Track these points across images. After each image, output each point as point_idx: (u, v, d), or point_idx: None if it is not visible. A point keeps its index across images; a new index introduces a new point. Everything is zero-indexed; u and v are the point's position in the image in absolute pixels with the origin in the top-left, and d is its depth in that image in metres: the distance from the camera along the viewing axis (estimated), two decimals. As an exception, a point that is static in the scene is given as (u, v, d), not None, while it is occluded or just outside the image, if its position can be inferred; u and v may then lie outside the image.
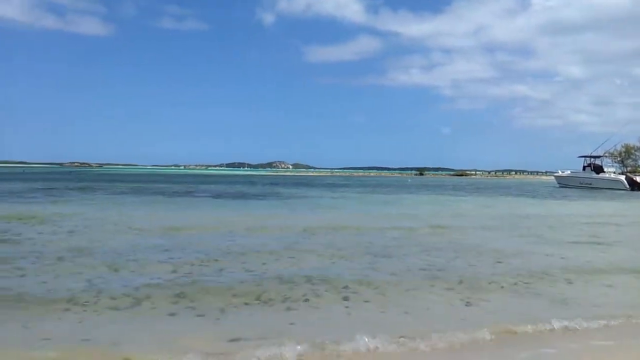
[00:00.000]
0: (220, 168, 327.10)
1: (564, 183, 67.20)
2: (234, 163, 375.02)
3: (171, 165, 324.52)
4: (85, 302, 7.65)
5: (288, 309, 7.57)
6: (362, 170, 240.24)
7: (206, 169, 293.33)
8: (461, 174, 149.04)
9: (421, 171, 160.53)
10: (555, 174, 72.61)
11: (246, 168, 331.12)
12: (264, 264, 10.76)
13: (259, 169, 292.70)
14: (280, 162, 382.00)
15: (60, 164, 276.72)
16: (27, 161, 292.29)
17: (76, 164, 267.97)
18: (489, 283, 9.43)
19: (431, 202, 33.94)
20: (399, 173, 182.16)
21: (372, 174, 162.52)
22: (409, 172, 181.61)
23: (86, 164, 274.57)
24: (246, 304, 7.81)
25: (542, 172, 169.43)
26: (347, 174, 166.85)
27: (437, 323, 6.86)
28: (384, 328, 6.49)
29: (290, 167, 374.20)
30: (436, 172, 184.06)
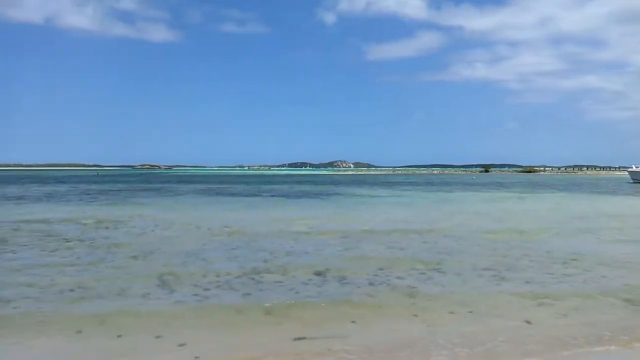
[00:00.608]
0: (283, 168, 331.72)
1: (638, 179, 63.34)
2: (296, 163, 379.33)
3: (235, 166, 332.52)
4: (158, 299, 8.02)
5: (352, 308, 7.62)
6: (424, 168, 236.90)
7: (269, 169, 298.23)
8: (529, 170, 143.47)
9: (486, 168, 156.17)
10: (629, 169, 68.51)
11: (308, 167, 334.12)
12: (325, 260, 10.86)
13: (321, 169, 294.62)
14: (341, 161, 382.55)
15: (132, 167, 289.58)
16: (100, 164, 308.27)
17: (146, 166, 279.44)
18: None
19: (500, 200, 32.96)
20: (463, 170, 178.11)
21: (435, 172, 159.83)
22: (474, 169, 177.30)
23: (156, 166, 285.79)
24: (310, 297, 7.95)
25: (614, 168, 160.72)
26: (410, 172, 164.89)
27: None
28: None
29: (352, 165, 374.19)
30: (502, 169, 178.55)
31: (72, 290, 8.52)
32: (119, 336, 6.31)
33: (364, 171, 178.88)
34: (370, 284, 9.02)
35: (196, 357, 5.60)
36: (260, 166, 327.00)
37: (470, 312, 7.36)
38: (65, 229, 16.33)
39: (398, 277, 9.48)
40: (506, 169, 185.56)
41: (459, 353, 5.72)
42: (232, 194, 38.14)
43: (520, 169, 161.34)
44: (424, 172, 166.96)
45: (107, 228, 16.53)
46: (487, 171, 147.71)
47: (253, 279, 9.36)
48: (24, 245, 12.99)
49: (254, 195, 37.44)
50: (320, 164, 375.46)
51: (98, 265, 10.60)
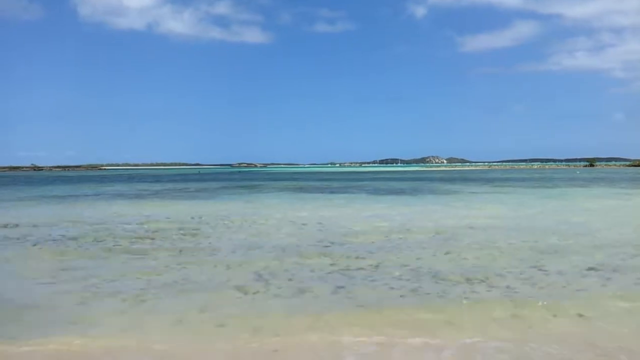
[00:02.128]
0: (374, 165, 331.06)
1: None
2: (387, 159, 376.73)
3: (327, 163, 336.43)
4: (256, 291, 8.35)
5: (445, 304, 7.48)
6: (523, 163, 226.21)
7: (360, 165, 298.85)
8: (638, 164, 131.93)
9: (591, 162, 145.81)
10: None
11: (399, 164, 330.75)
12: (418, 258, 10.73)
13: (412, 165, 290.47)
14: (433, 156, 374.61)
15: (230, 165, 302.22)
16: (201, 163, 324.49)
17: (243, 165, 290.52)
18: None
19: (609, 197, 30.74)
20: (566, 165, 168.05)
21: (535, 167, 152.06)
22: (577, 163, 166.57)
23: (252, 164, 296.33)
24: (402, 296, 7.91)
25: None
26: (507, 167, 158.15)
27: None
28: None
29: (445, 161, 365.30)
30: (608, 163, 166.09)
31: (175, 280, 9.09)
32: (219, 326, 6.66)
33: (457, 167, 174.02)
34: (467, 281, 8.80)
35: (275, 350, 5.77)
36: (351, 163, 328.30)
37: (579, 314, 6.97)
38: (173, 224, 17.38)
39: (497, 275, 9.16)
40: (613, 162, 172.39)
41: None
42: (324, 191, 38.65)
43: (628, 163, 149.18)
44: (522, 166, 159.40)
45: (208, 223, 17.40)
46: (592, 165, 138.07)
47: (345, 274, 9.46)
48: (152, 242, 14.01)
49: (345, 191, 37.68)
50: (412, 159, 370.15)
51: (199, 256, 11.20)
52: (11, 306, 7.62)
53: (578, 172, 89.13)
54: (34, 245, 13.28)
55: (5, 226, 17.09)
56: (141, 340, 6.15)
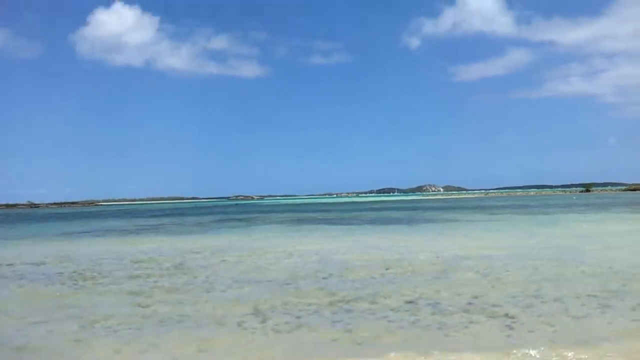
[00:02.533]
0: (371, 195, 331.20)
1: None
2: (384, 189, 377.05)
3: (324, 194, 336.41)
4: (253, 328, 8.27)
5: (446, 336, 7.43)
6: (520, 190, 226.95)
7: (357, 195, 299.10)
8: (635, 188, 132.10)
9: (587, 187, 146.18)
10: None
11: (396, 193, 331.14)
12: (416, 289, 10.67)
13: (409, 194, 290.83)
14: (430, 185, 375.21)
15: (227, 198, 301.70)
16: (198, 196, 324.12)
17: (240, 197, 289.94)
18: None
19: (605, 222, 30.77)
20: (562, 190, 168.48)
21: (531, 193, 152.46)
22: (574, 189, 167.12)
23: (249, 196, 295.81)
24: (401, 328, 7.85)
25: None
26: (504, 194, 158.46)
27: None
28: None
29: (441, 189, 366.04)
30: (604, 188, 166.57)
31: (171, 317, 9.01)
32: (217, 363, 6.58)
33: (454, 195, 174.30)
34: (466, 312, 8.75)
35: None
36: (348, 193, 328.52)
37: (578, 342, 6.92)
38: (168, 259, 17.27)
39: (494, 305, 9.11)
40: (609, 187, 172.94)
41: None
42: (321, 222, 38.57)
43: (624, 187, 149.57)
44: (519, 193, 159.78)
45: (204, 258, 17.30)
46: (588, 190, 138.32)
47: (343, 308, 9.39)
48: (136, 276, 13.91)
49: (342, 223, 37.62)
50: (408, 188, 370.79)
51: (195, 293, 11.12)
52: (6, 348, 7.52)
53: (575, 198, 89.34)
54: (29, 283, 13.16)
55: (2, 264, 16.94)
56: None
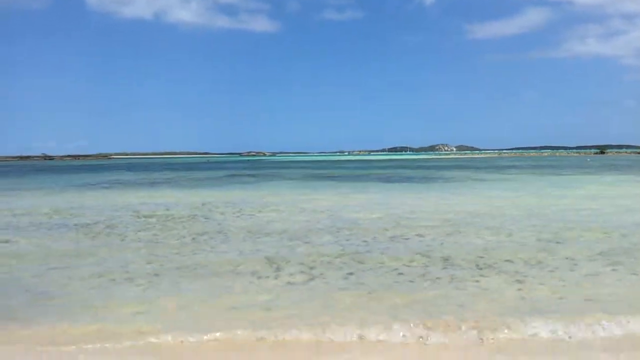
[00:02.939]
0: (382, 153, 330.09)
1: None
2: (396, 147, 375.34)
3: (336, 152, 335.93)
4: (266, 276, 8.46)
5: (456, 289, 7.55)
6: (533, 151, 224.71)
7: (369, 154, 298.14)
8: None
9: (602, 149, 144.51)
10: None
11: (408, 152, 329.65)
12: (428, 245, 10.79)
13: (421, 153, 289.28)
14: (443, 144, 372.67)
15: (239, 154, 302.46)
16: (210, 151, 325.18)
17: (252, 153, 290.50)
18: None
19: (618, 184, 30.53)
20: (576, 152, 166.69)
21: (545, 154, 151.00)
22: (588, 150, 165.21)
23: (261, 152, 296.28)
24: (411, 281, 7.99)
25: None
26: (518, 154, 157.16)
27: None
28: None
29: (454, 149, 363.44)
30: (619, 150, 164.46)
31: (188, 266, 9.23)
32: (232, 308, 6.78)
33: (467, 154, 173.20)
34: (476, 266, 8.85)
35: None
36: (360, 151, 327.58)
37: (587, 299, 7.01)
38: (183, 211, 17.54)
39: (505, 261, 9.21)
40: (624, 150, 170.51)
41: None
42: (333, 179, 38.71)
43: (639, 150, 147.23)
44: (533, 154, 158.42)
45: (218, 211, 17.53)
46: (603, 152, 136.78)
47: (355, 260, 9.54)
48: (147, 229, 14.18)
49: (355, 180, 37.72)
50: (420, 148, 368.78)
51: (210, 244, 11.34)
52: (28, 293, 7.77)
53: (589, 160, 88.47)
54: (48, 232, 13.47)
55: (18, 214, 17.31)
56: (155, 324, 6.27)
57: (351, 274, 8.56)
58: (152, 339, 5.74)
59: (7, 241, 12.25)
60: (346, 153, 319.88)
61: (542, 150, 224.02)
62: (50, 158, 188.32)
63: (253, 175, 46.25)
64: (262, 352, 5.48)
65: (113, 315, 6.61)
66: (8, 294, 7.73)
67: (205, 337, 5.77)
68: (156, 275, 8.66)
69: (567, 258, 9.43)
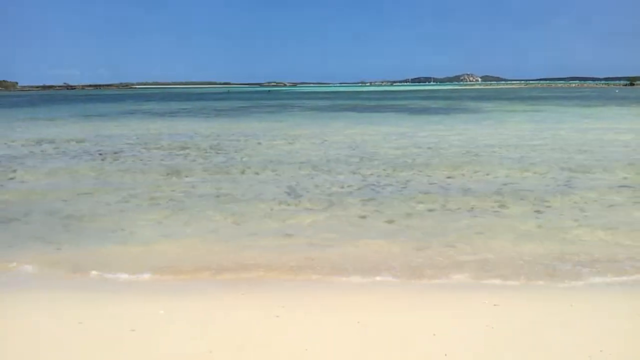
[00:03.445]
0: (405, 84, 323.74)
1: None
2: (419, 78, 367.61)
3: (358, 82, 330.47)
4: (287, 203, 8.58)
5: (474, 217, 7.60)
6: (561, 82, 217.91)
7: (391, 85, 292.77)
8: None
9: (632, 81, 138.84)
10: None
11: (432, 83, 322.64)
12: (448, 177, 10.76)
13: (446, 83, 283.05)
14: (468, 74, 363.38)
15: (259, 84, 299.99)
16: (231, 82, 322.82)
17: (272, 84, 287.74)
18: None
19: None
20: (605, 84, 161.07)
21: (573, 85, 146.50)
22: (617, 82, 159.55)
23: (281, 83, 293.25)
24: (430, 210, 8.05)
25: None
26: (545, 85, 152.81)
27: None
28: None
29: (479, 79, 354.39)
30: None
31: (210, 193, 9.40)
32: (252, 234, 6.95)
33: (492, 85, 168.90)
34: (497, 194, 8.84)
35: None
36: (382, 82, 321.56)
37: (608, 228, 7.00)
38: (204, 142, 17.66)
39: (526, 190, 9.16)
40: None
41: (588, 267, 5.54)
42: (354, 110, 38.30)
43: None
44: (560, 85, 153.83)
45: (239, 141, 17.62)
46: (632, 84, 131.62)
47: (374, 189, 9.59)
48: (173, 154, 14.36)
49: (377, 111, 37.28)
50: (445, 78, 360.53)
51: (232, 172, 11.48)
52: (56, 216, 8.03)
53: (617, 91, 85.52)
54: (72, 160, 13.75)
55: (42, 142, 17.62)
56: (179, 247, 6.49)
57: (370, 200, 8.63)
58: (175, 264, 5.95)
59: (34, 166, 12.56)
60: (368, 84, 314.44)
61: (570, 82, 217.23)
62: (72, 87, 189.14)
63: (274, 106, 45.99)
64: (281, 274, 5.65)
65: (140, 240, 6.84)
66: (40, 219, 8.01)
67: (225, 262, 5.96)
68: (179, 201, 8.85)
69: (589, 189, 9.34)
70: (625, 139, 16.85)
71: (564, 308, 4.49)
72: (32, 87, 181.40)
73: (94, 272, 5.65)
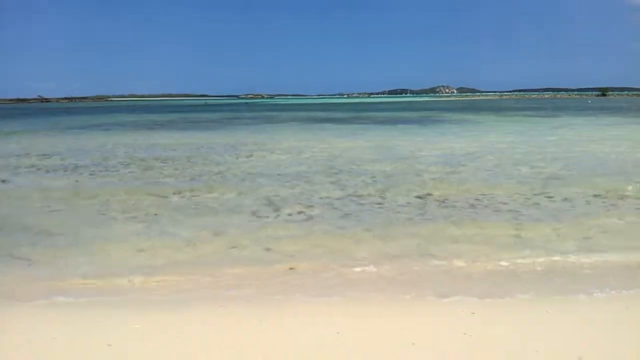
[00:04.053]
0: (382, 95, 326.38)
1: None
2: (396, 90, 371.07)
3: (336, 94, 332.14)
4: (266, 216, 8.56)
5: (453, 224, 7.68)
6: (535, 93, 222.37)
7: (368, 96, 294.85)
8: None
9: (604, 91, 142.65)
10: None
11: (408, 94, 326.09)
12: (424, 185, 10.87)
13: (422, 95, 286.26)
14: (443, 86, 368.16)
15: (236, 96, 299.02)
16: (208, 94, 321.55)
17: (250, 96, 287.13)
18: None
19: (621, 127, 30.36)
20: (578, 94, 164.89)
21: (546, 96, 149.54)
22: (590, 93, 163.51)
23: (259, 95, 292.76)
24: (409, 219, 8.11)
25: None
26: (519, 96, 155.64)
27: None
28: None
29: (455, 91, 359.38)
30: (621, 93, 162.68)
31: (187, 206, 9.33)
32: (232, 247, 6.91)
33: (468, 96, 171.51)
34: (472, 207, 8.95)
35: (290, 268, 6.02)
36: (359, 94, 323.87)
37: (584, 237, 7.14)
38: (182, 153, 17.54)
39: (501, 202, 9.30)
40: (625, 92, 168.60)
41: (563, 274, 5.63)
42: (332, 121, 38.47)
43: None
44: (534, 96, 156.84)
45: (217, 153, 17.53)
46: (604, 95, 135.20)
47: (353, 201, 9.63)
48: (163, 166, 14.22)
49: (354, 122, 37.50)
50: (421, 90, 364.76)
51: (209, 184, 11.40)
52: (29, 231, 7.87)
53: (590, 102, 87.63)
54: (47, 174, 13.52)
55: (18, 156, 17.30)
56: (154, 260, 6.41)
57: (349, 213, 8.66)
58: (152, 277, 5.88)
59: (4, 181, 12.31)
60: (345, 96, 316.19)
61: (544, 93, 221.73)
62: (47, 100, 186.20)
63: (252, 118, 45.91)
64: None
65: (115, 254, 6.74)
66: (12, 234, 7.84)
67: (203, 275, 5.91)
68: (154, 215, 8.75)
69: (564, 199, 9.52)
70: (598, 150, 17.22)
71: (541, 316, 4.55)
72: (5, 100, 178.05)
73: (66, 286, 5.54)
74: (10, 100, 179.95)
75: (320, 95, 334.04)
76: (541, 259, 6.15)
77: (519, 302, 4.97)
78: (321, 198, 9.86)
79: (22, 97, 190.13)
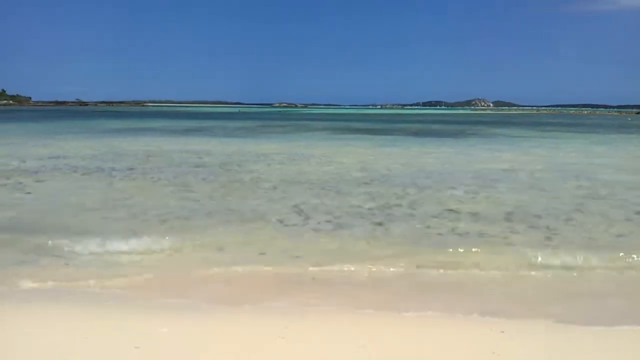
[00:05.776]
0: (416, 107, 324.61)
1: None
2: (430, 102, 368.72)
3: (369, 105, 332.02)
4: (294, 224, 8.56)
5: (485, 242, 7.53)
6: (573, 108, 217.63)
7: (402, 108, 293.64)
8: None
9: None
10: None
11: (443, 107, 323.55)
12: (458, 199, 10.70)
13: (457, 108, 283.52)
14: (479, 99, 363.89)
15: (270, 104, 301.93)
16: (242, 102, 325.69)
17: (284, 104, 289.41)
18: None
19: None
20: (617, 111, 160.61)
21: (585, 112, 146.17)
22: (630, 110, 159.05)
23: (292, 104, 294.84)
24: (440, 234, 7.98)
25: None
26: (556, 111, 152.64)
27: None
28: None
29: (491, 104, 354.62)
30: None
31: (219, 211, 9.41)
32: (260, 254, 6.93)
33: (504, 110, 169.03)
34: (506, 221, 8.77)
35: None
36: (393, 105, 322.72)
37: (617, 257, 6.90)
38: (215, 160, 17.77)
39: (535, 216, 9.08)
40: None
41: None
42: (365, 132, 38.43)
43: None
44: (572, 112, 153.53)
45: (249, 160, 17.69)
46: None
47: (383, 212, 9.55)
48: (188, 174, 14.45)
49: (387, 133, 37.37)
50: (456, 102, 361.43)
51: (241, 191, 11.49)
52: (65, 232, 8.06)
53: (630, 119, 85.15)
54: (84, 176, 13.85)
55: (57, 157, 17.81)
56: (185, 265, 6.47)
57: (379, 224, 8.58)
58: (178, 281, 5.93)
59: (41, 180, 12.67)
60: (379, 106, 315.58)
61: (582, 108, 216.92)
62: (85, 104, 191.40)
63: (286, 127, 46.27)
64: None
65: (143, 256, 6.84)
66: (47, 231, 8.05)
67: (229, 281, 5.93)
68: (185, 219, 8.86)
69: (601, 215, 9.24)
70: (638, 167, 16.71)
71: (573, 336, 4.41)
72: (45, 102, 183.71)
73: (93, 283, 5.64)
74: (50, 102, 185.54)
75: (353, 105, 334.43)
76: (572, 279, 5.96)
77: (549, 323, 4.82)
78: (350, 208, 9.81)
79: (61, 99, 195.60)
